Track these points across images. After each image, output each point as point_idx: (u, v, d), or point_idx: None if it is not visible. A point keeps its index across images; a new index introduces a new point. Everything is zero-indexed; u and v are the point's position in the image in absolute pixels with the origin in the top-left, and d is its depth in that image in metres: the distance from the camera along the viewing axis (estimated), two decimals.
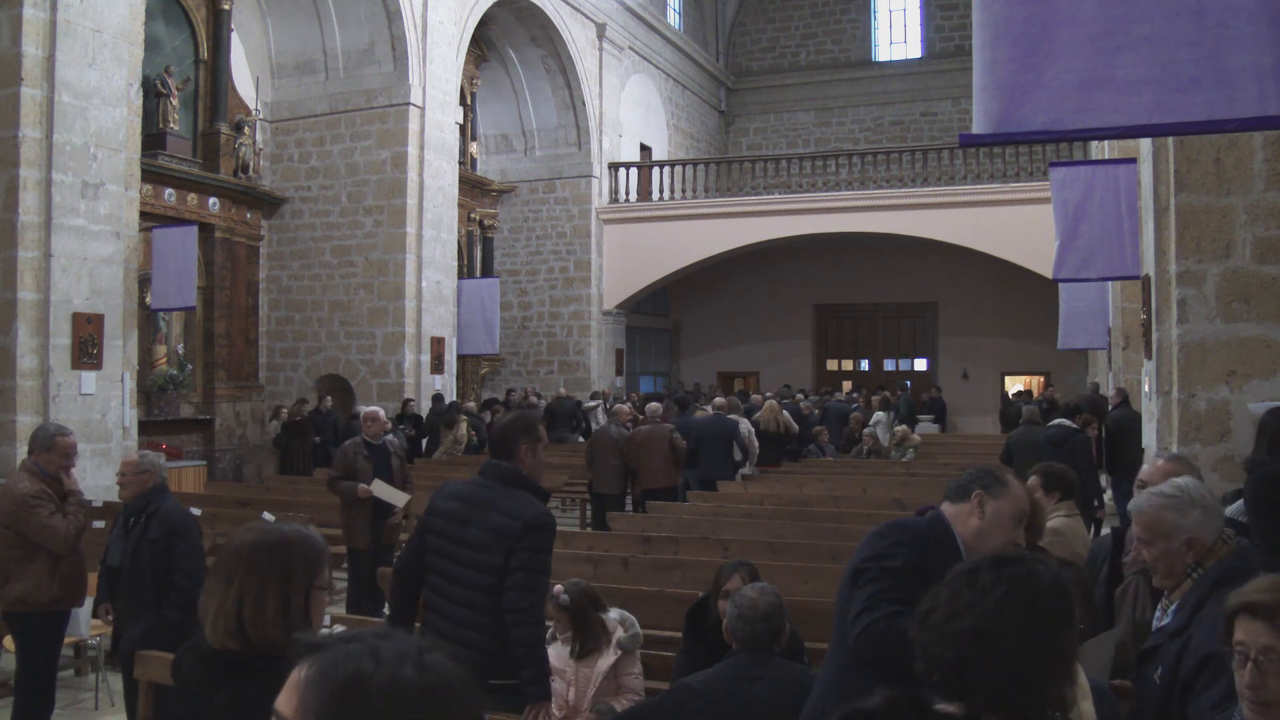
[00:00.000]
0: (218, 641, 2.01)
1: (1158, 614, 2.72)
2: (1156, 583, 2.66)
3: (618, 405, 11.87)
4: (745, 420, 11.51)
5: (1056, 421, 8.90)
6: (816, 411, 15.27)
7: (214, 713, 1.97)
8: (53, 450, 4.99)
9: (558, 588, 4.12)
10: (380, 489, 7.33)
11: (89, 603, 5.38)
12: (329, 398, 14.45)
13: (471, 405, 15.18)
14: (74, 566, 5.00)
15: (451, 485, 3.78)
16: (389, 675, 1.05)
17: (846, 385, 22.36)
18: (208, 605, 2.04)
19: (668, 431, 10.15)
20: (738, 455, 10.84)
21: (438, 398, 14.62)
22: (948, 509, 2.70)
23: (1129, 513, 2.76)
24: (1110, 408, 10.84)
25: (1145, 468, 3.47)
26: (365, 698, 1.03)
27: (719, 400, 11.77)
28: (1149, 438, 6.45)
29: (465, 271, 17.60)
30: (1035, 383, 22.24)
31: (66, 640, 5.34)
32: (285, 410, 14.08)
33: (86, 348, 9.08)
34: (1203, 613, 2.44)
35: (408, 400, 14.23)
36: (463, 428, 13.38)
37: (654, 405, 10.96)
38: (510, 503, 3.52)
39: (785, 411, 13.20)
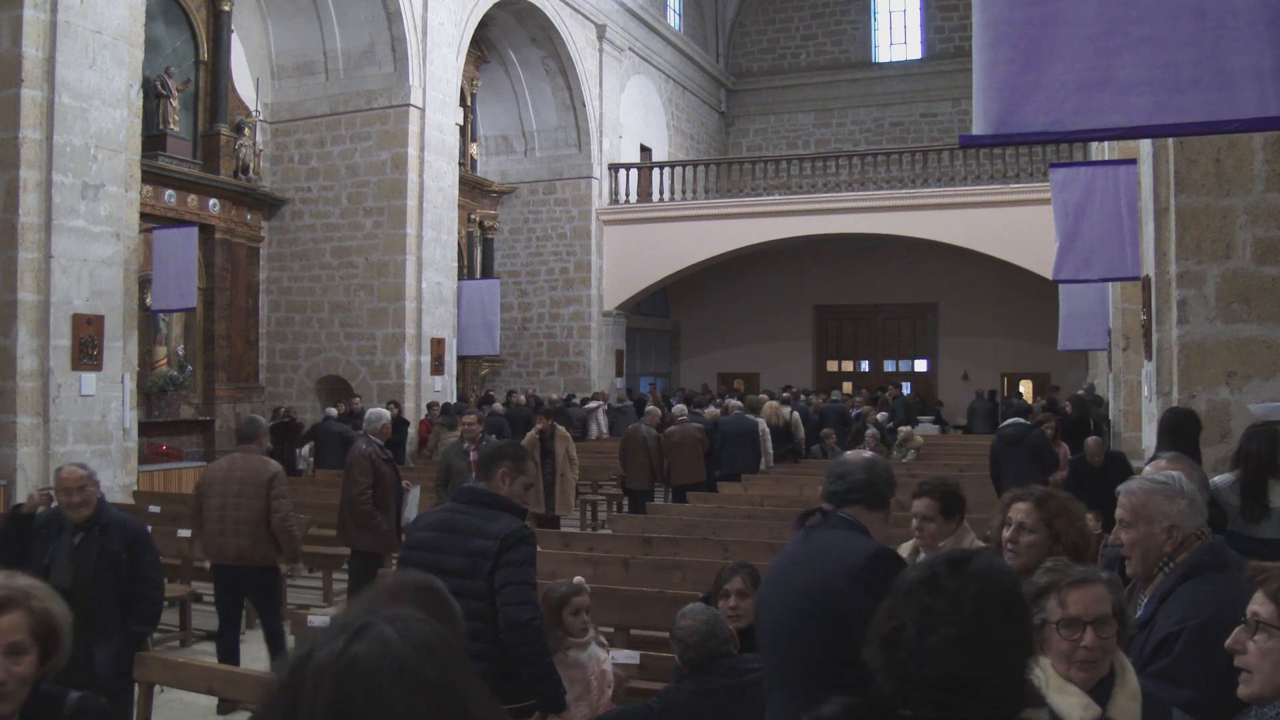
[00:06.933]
0: None
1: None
2: (1129, 570, 2.64)
3: (649, 407, 12.55)
4: (760, 420, 12.15)
5: (1011, 420, 8.84)
6: (815, 414, 15.32)
7: None
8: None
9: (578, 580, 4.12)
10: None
11: None
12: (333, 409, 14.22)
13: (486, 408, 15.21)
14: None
15: (428, 515, 3.73)
16: (323, 650, 1.13)
17: (847, 386, 22.34)
18: None
19: (697, 431, 10.98)
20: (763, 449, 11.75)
21: (485, 399, 14.93)
22: (863, 514, 2.62)
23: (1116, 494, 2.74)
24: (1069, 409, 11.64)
25: (1147, 469, 3.45)
26: (302, 666, 1.13)
27: (736, 401, 12.65)
28: (1149, 438, 6.45)
29: (465, 273, 17.60)
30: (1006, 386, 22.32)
31: None
32: (282, 409, 14.05)
33: (87, 349, 9.08)
34: (1167, 603, 2.46)
35: (390, 402, 13.51)
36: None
37: (680, 407, 11.87)
38: (488, 524, 3.50)
39: (784, 411, 13.40)
